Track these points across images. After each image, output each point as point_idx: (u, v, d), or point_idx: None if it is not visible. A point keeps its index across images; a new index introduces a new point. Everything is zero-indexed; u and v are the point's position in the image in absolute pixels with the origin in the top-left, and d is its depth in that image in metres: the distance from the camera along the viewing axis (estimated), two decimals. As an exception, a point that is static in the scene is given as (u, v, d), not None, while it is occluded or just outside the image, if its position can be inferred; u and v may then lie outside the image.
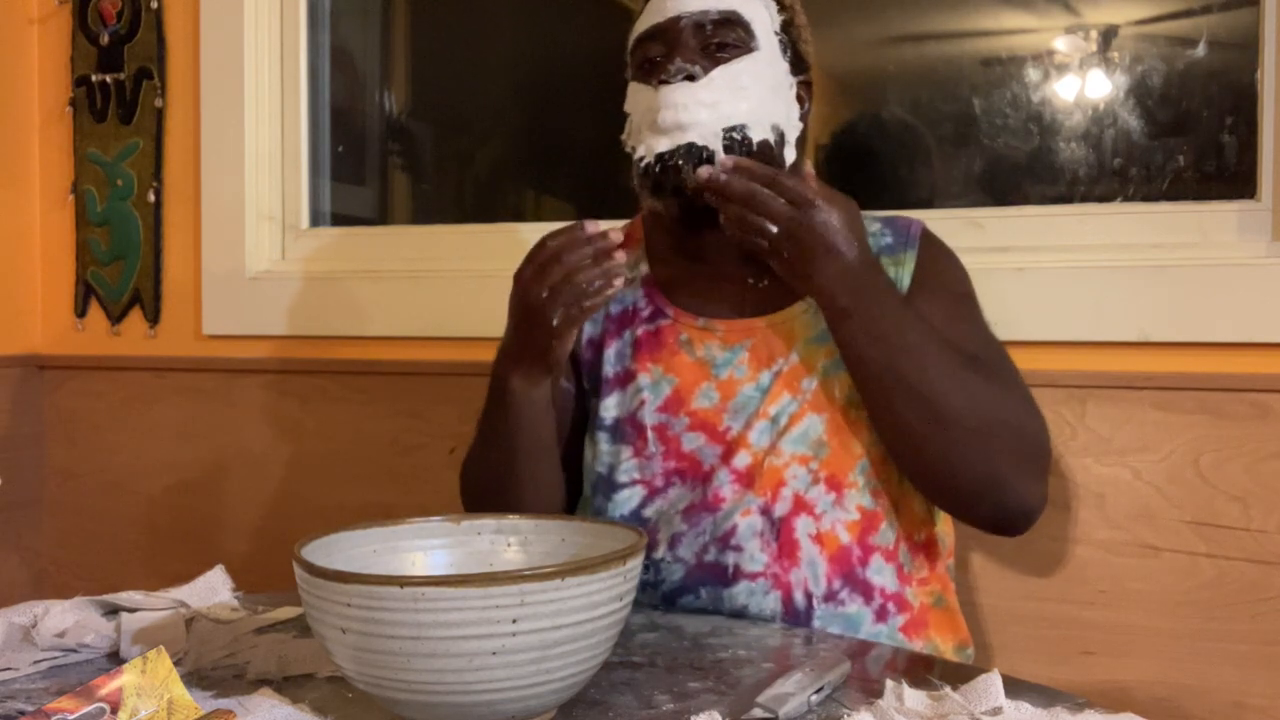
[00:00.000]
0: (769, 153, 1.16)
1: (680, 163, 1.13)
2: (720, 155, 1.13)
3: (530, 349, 1.11)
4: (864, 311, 1.09)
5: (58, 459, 1.97)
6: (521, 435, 1.17)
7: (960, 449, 1.09)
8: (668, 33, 1.17)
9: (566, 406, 1.26)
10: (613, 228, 1.08)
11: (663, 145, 1.14)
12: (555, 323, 1.07)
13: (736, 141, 1.14)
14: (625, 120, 1.23)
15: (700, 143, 1.13)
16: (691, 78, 1.14)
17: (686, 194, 1.14)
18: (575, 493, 1.29)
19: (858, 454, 1.15)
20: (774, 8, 1.20)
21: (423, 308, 1.75)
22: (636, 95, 1.19)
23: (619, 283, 1.07)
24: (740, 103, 1.14)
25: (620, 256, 1.07)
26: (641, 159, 1.16)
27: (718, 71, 1.14)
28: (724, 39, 1.16)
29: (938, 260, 1.23)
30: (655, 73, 1.16)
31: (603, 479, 1.21)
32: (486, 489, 1.22)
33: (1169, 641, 1.40)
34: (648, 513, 1.18)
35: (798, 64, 1.21)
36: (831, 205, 1.09)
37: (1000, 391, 1.14)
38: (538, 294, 1.07)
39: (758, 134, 1.15)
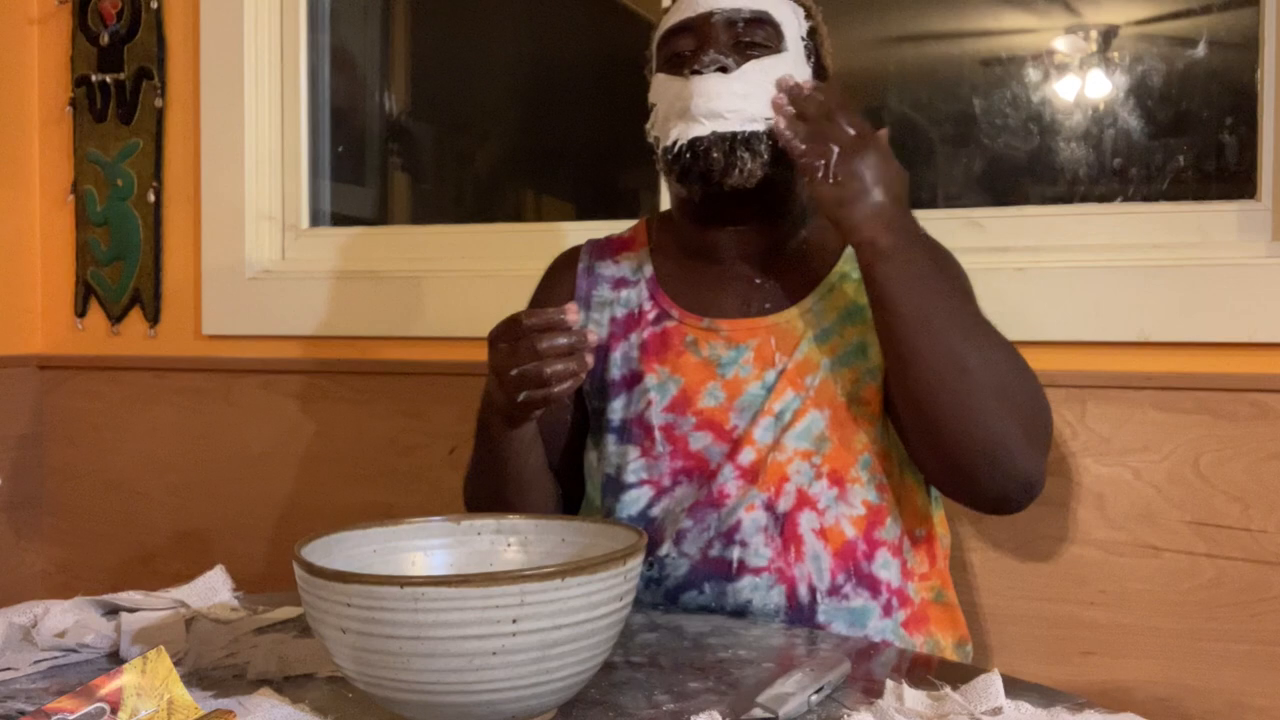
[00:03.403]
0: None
1: (712, 150, 1.13)
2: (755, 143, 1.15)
3: (503, 409, 1.12)
4: (904, 252, 1.09)
5: (58, 459, 1.97)
6: (508, 467, 1.18)
7: (978, 403, 1.08)
8: (700, 27, 1.18)
9: (563, 417, 1.27)
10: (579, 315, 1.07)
11: (696, 131, 1.14)
12: (519, 400, 1.06)
13: (764, 134, 1.15)
14: (643, 114, 1.24)
15: (733, 130, 1.14)
16: (725, 69, 1.15)
17: (714, 181, 1.15)
18: (576, 496, 1.29)
19: (859, 449, 1.16)
20: (801, 13, 1.21)
21: (423, 308, 1.75)
22: (665, 86, 1.20)
23: (583, 376, 1.05)
24: (770, 98, 1.15)
25: (589, 360, 1.05)
26: (675, 143, 1.16)
27: (749, 66, 1.15)
28: (754, 37, 1.17)
29: (936, 260, 1.23)
30: (687, 64, 1.17)
31: (611, 479, 1.21)
32: (482, 510, 1.25)
33: (1169, 641, 1.40)
34: (655, 512, 1.18)
35: (819, 71, 1.23)
36: (887, 148, 1.11)
37: (1016, 358, 1.15)
38: (506, 370, 1.06)
39: None
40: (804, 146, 1.10)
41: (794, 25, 1.20)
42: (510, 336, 1.06)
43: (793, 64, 1.18)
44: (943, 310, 1.10)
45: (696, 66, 1.16)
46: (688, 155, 1.15)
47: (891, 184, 1.10)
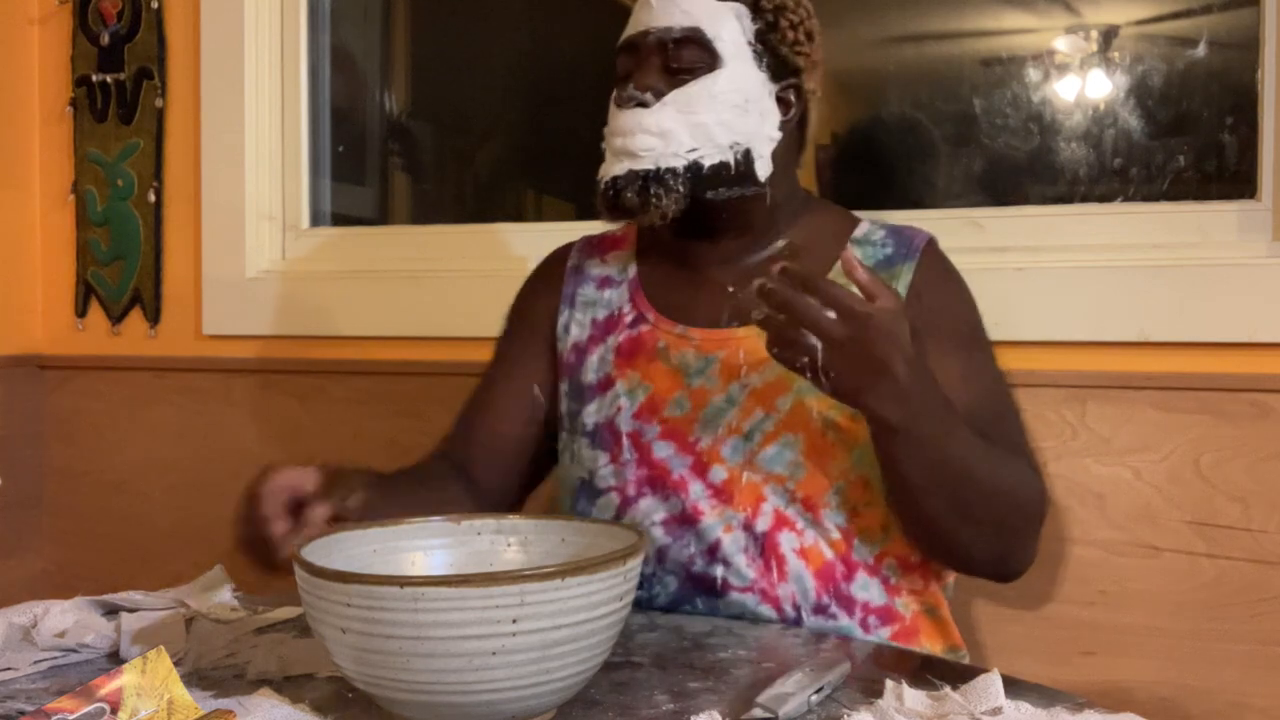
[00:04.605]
0: (728, 175, 1.15)
1: (626, 190, 1.14)
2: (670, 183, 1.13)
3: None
4: (912, 428, 1.02)
5: (58, 459, 1.97)
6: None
7: (980, 538, 1.11)
8: (637, 48, 1.18)
9: (536, 416, 1.27)
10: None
11: (614, 170, 1.15)
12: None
13: (683, 169, 1.13)
14: None
15: (646, 168, 1.13)
16: (643, 104, 1.14)
17: (635, 217, 1.15)
18: (528, 486, 1.30)
19: (834, 477, 1.13)
20: (748, 17, 1.17)
21: (423, 308, 1.75)
22: (610, 109, 1.20)
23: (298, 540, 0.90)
24: (693, 129, 1.14)
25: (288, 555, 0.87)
26: (600, 179, 1.17)
27: (672, 96, 1.14)
28: (682, 61, 1.15)
29: (941, 288, 1.19)
30: (620, 91, 1.18)
31: (584, 484, 1.21)
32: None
33: (1169, 641, 1.40)
34: (624, 522, 1.16)
35: (779, 70, 1.18)
36: (884, 312, 0.97)
37: (1019, 471, 1.13)
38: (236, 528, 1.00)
39: (712, 158, 1.14)
40: (785, 354, 0.99)
41: (735, 34, 1.16)
42: (245, 494, 0.99)
43: (730, 79, 1.15)
44: (952, 472, 1.06)
45: (618, 100, 1.16)
46: (610, 193, 1.15)
47: (895, 349, 0.98)
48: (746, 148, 1.16)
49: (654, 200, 1.13)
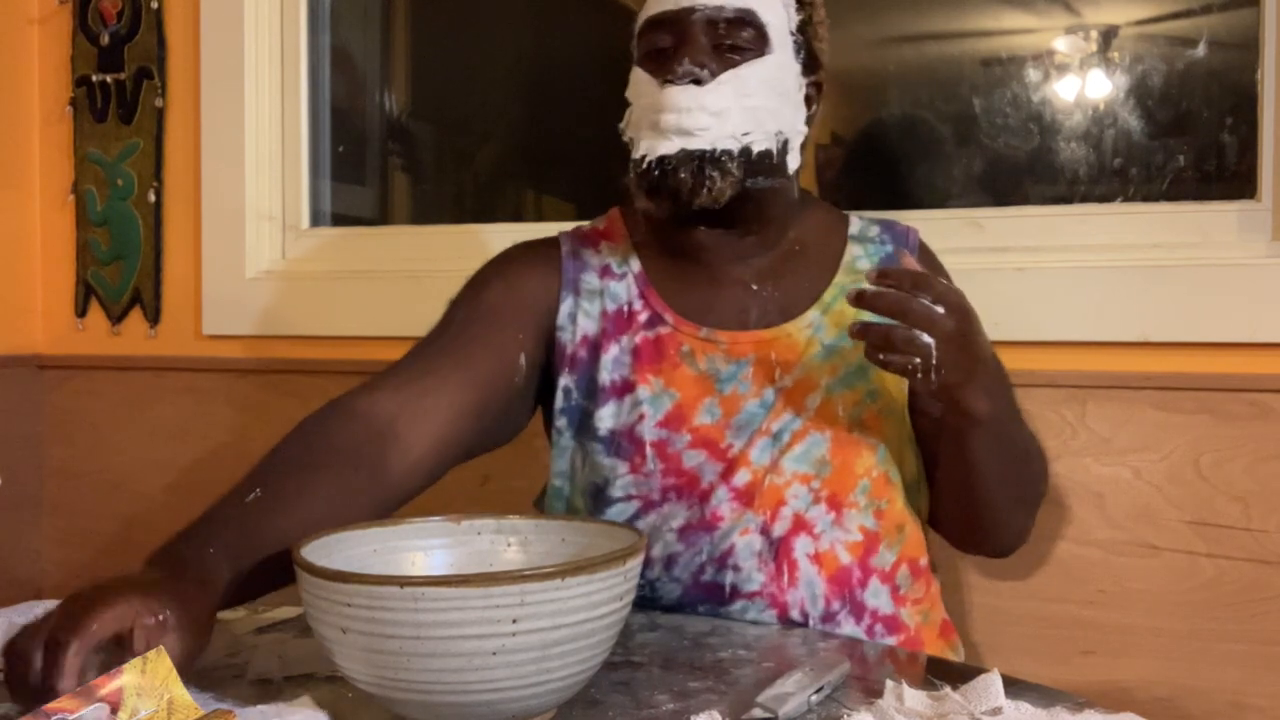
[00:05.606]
0: (770, 162, 1.12)
1: (680, 170, 1.09)
2: (725, 165, 1.09)
3: None
4: (995, 418, 1.07)
5: (58, 459, 1.97)
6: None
7: (1020, 516, 1.21)
8: (679, 24, 1.12)
9: (513, 383, 1.17)
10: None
11: (664, 148, 1.09)
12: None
13: (737, 151, 1.10)
14: (625, 108, 1.19)
15: (702, 148, 1.09)
16: (698, 81, 1.09)
17: (682, 200, 1.10)
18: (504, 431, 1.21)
19: (859, 474, 1.12)
20: (793, 6, 1.15)
21: (423, 308, 1.74)
22: (641, 87, 1.15)
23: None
24: (746, 112, 1.10)
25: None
26: (644, 158, 1.11)
27: (726, 76, 1.10)
28: (736, 40, 1.11)
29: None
30: (662, 68, 1.12)
31: (597, 490, 1.16)
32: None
33: (1169, 641, 1.40)
34: (640, 525, 1.13)
35: (810, 64, 1.17)
36: (968, 304, 1.02)
37: (1040, 451, 1.23)
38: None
39: (760, 144, 1.11)
40: (895, 358, 1.00)
41: (783, 21, 1.14)
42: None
43: (777, 66, 1.13)
44: (1018, 451, 1.14)
45: (669, 76, 1.10)
46: (656, 173, 1.10)
47: (984, 341, 1.04)
48: (786, 138, 1.14)
49: (708, 182, 1.09)
